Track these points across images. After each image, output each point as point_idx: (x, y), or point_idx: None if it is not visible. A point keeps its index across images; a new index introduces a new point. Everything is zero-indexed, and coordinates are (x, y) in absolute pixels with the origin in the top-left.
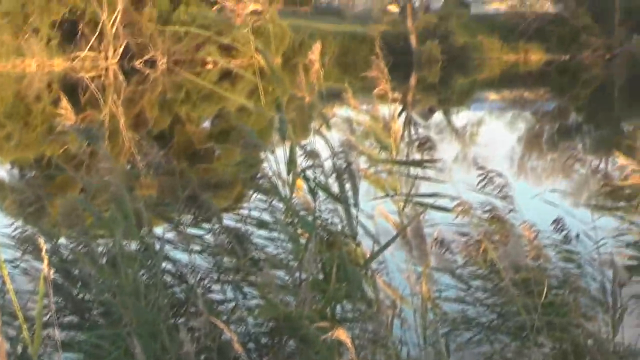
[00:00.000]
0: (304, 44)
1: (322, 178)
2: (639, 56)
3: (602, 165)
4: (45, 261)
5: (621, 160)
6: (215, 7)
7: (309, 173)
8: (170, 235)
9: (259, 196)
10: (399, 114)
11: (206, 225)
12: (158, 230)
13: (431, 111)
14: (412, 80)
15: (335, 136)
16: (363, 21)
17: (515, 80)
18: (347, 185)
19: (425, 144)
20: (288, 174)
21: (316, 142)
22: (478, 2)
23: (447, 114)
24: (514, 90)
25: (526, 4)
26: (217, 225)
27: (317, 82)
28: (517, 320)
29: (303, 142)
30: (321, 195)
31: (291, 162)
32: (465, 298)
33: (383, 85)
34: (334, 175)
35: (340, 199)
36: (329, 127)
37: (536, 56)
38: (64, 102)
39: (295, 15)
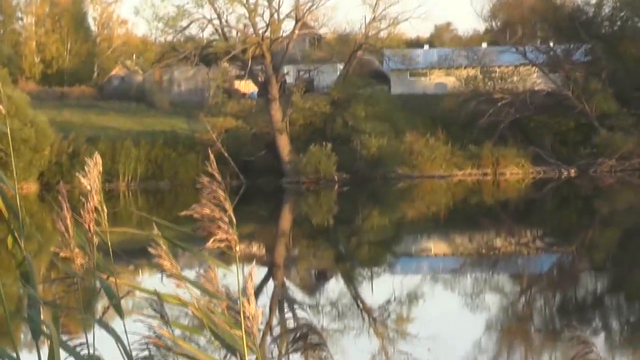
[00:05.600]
0: (79, 153)
1: None
2: None
3: None
4: None
5: None
6: None
7: None
8: None
9: None
10: (260, 284)
11: None
12: None
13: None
14: (285, 217)
15: (138, 327)
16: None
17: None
18: None
19: (307, 339)
20: None
21: (100, 339)
22: None
23: (351, 279)
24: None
25: None
26: None
27: (99, 227)
28: None
29: (74, 341)
30: None
31: None
32: None
33: (222, 229)
34: None
35: None
36: (121, 313)
37: None
38: None
39: (67, 105)
